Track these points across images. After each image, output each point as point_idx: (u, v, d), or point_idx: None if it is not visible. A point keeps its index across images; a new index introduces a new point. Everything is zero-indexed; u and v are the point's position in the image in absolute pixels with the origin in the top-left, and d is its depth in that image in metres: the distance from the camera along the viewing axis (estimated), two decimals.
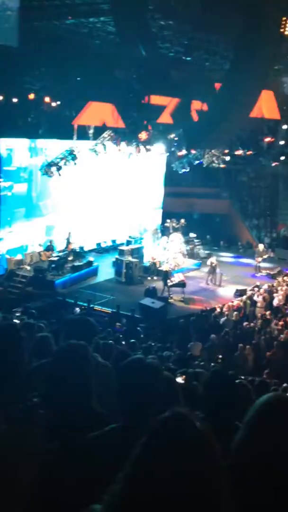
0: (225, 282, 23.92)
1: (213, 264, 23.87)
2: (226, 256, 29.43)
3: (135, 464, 1.28)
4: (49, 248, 23.38)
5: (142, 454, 1.29)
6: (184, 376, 5.39)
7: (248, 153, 26.00)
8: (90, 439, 2.27)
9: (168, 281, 21.40)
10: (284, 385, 10.57)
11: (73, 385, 2.36)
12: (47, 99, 20.49)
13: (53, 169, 21.39)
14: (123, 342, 12.43)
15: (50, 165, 21.44)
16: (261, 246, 27.54)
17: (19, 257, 22.31)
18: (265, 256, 27.20)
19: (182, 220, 28.90)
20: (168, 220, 29.10)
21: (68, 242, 23.27)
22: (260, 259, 26.44)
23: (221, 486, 1.27)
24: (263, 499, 1.44)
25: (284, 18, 16.05)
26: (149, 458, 1.27)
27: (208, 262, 24.43)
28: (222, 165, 27.08)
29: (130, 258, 22.97)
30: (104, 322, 17.32)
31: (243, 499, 1.44)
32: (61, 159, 21.60)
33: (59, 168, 21.43)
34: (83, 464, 2.17)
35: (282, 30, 16.11)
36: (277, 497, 1.42)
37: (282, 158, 26.77)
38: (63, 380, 2.39)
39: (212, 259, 24.24)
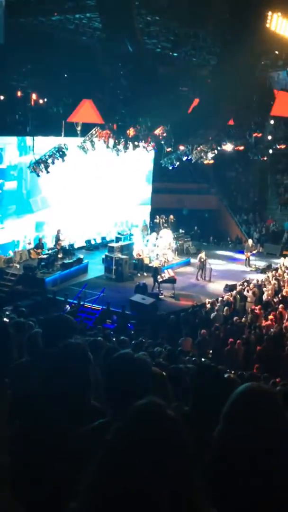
0: (214, 278, 23.98)
1: (203, 260, 23.90)
2: (216, 252, 29.48)
3: (106, 449, 1.28)
4: (39, 245, 23.33)
5: (113, 438, 1.29)
6: (165, 373, 5.36)
7: (237, 148, 26.09)
8: (79, 433, 2.28)
9: (158, 277, 21.40)
10: (277, 379, 10.65)
11: (74, 383, 2.39)
12: (34, 96, 20.39)
13: (41, 166, 21.29)
14: (114, 339, 12.42)
15: (38, 162, 21.35)
16: (250, 241, 27.68)
17: (10, 253, 22.34)
18: (254, 251, 27.34)
19: (171, 216, 28.94)
20: (158, 216, 29.13)
21: (57, 240, 23.22)
22: (249, 254, 26.57)
23: (192, 473, 1.24)
24: (243, 490, 1.44)
25: (270, 13, 16.05)
26: (120, 443, 1.27)
27: (198, 258, 24.48)
28: (210, 161, 27.09)
29: (119, 255, 22.94)
30: (95, 319, 17.33)
31: (223, 490, 1.44)
32: (50, 156, 21.50)
33: (47, 166, 21.34)
34: (70, 458, 2.18)
35: (268, 25, 16.11)
36: (255, 488, 1.43)
37: (270, 152, 26.91)
38: (65, 378, 2.41)
39: (202, 255, 24.27)
